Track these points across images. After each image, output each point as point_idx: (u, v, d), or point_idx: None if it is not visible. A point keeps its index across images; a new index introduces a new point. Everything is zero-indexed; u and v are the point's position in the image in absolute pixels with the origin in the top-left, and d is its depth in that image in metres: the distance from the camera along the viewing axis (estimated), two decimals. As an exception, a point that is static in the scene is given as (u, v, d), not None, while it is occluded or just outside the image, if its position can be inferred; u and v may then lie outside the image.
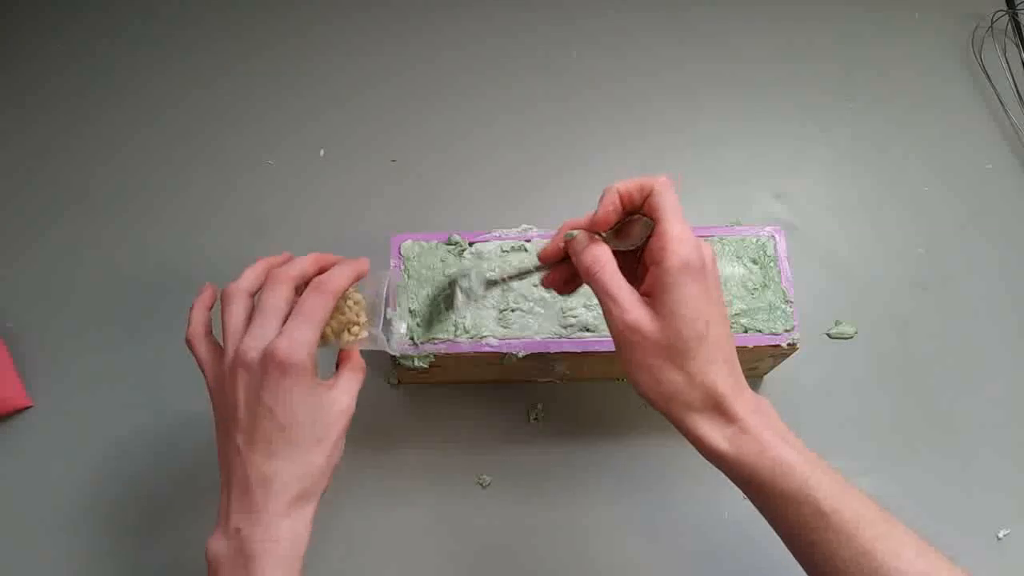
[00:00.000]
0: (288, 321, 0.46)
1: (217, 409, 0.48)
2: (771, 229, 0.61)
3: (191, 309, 0.51)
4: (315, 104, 0.78)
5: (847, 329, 0.68)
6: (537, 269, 0.51)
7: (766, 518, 0.45)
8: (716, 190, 0.74)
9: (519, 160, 0.76)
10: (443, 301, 0.56)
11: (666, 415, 0.46)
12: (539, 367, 0.61)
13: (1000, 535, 0.62)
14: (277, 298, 0.47)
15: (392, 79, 0.79)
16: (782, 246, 0.61)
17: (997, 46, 0.80)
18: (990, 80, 0.79)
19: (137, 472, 0.64)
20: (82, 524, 0.62)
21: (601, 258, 0.45)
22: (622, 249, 0.47)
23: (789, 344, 0.58)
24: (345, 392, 0.49)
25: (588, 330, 0.58)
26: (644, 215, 0.46)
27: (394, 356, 0.58)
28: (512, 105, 0.78)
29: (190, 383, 0.66)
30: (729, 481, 0.46)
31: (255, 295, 0.49)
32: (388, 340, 0.55)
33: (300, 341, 0.45)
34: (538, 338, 0.58)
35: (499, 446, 0.64)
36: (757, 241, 0.61)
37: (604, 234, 0.47)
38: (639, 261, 0.48)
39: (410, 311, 0.59)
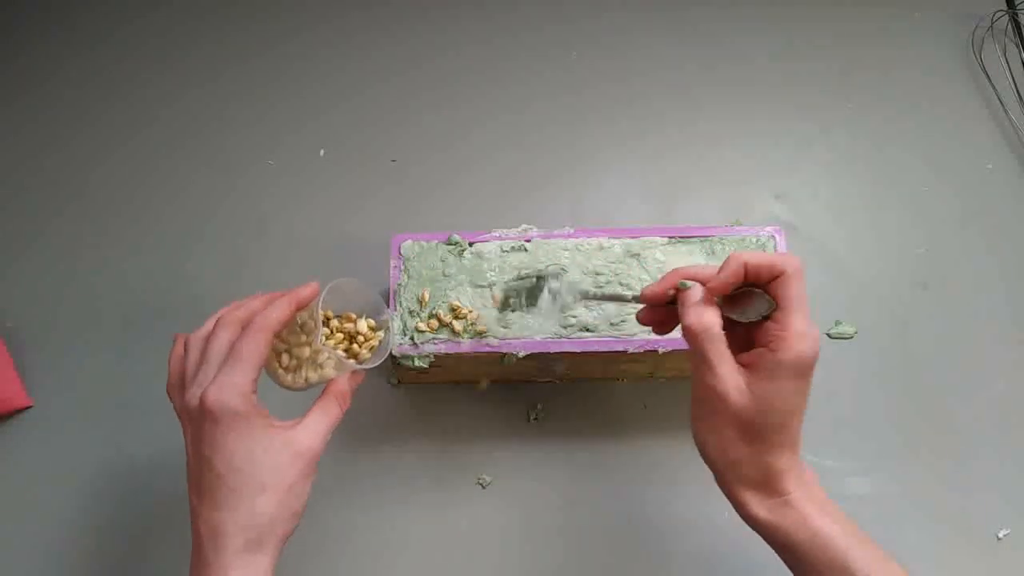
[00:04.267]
0: (221, 366, 0.45)
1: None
2: (771, 229, 0.61)
3: (169, 361, 0.49)
4: (315, 104, 0.78)
5: (847, 329, 0.68)
6: (633, 300, 0.50)
7: None
8: (716, 190, 0.74)
9: (519, 160, 0.76)
10: (526, 295, 0.56)
11: (717, 476, 0.46)
12: (539, 367, 0.61)
13: (1000, 535, 0.62)
14: (220, 343, 0.46)
15: (392, 79, 0.79)
16: (782, 246, 0.61)
17: (997, 46, 0.80)
18: (990, 80, 0.79)
19: (137, 472, 0.64)
20: (82, 523, 0.62)
21: (708, 322, 0.44)
22: (731, 317, 0.46)
23: (789, 344, 0.58)
24: (309, 433, 0.46)
25: (588, 330, 0.58)
26: (765, 291, 0.45)
27: (394, 356, 0.58)
28: (512, 105, 0.78)
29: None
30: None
31: None
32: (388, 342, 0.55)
33: (228, 386, 0.44)
34: (538, 338, 0.58)
35: (499, 446, 0.65)
36: (757, 241, 0.61)
37: (717, 297, 0.46)
38: (743, 327, 0.46)
39: (410, 312, 0.59)
